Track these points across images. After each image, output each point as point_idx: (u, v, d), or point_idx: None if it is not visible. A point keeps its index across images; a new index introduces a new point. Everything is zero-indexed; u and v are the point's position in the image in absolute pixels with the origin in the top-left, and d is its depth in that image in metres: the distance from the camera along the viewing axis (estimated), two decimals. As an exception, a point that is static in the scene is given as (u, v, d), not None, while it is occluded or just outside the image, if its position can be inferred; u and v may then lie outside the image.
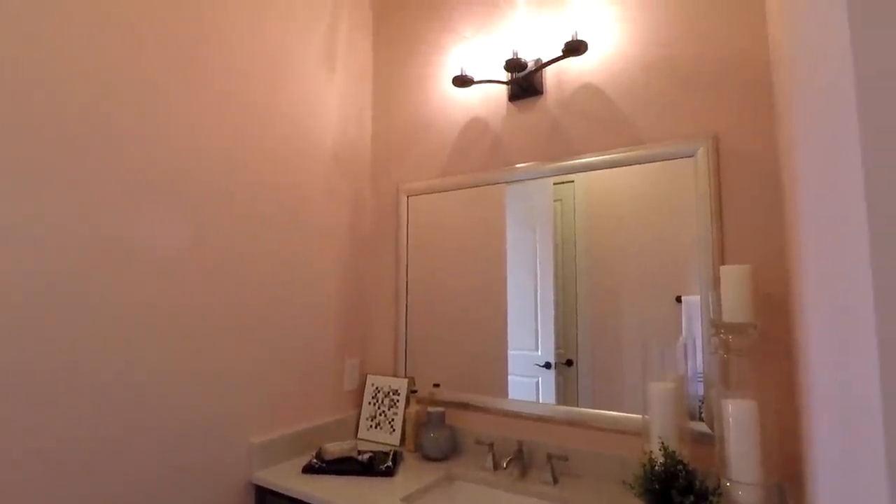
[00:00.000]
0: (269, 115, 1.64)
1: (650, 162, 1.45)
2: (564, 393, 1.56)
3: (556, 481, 1.43)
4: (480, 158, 1.79)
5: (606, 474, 1.44)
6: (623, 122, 1.51)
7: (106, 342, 1.20)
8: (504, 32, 1.78)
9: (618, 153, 1.50)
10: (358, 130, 2.04)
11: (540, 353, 1.62)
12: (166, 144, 1.35)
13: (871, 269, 0.42)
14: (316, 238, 1.81)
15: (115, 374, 1.22)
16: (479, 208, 1.78)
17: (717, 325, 1.24)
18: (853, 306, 0.50)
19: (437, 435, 1.64)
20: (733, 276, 1.19)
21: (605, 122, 1.55)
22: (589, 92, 1.58)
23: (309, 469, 1.50)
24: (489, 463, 1.56)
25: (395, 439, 1.78)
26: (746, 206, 1.32)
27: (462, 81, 1.71)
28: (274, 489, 1.46)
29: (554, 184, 1.62)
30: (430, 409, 1.70)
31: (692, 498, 1.11)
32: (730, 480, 1.11)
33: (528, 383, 1.63)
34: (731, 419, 1.12)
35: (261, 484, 1.49)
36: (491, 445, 1.59)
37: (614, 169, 1.51)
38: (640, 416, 1.40)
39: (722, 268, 1.22)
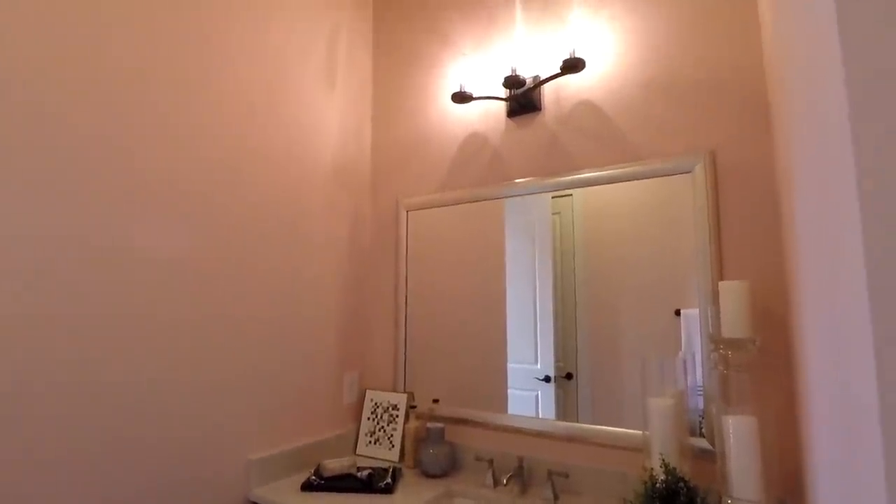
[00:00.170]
0: (270, 130, 1.65)
1: (648, 178, 1.46)
2: (564, 407, 1.56)
3: (556, 498, 1.42)
4: (479, 173, 1.81)
5: (607, 491, 1.43)
6: (621, 139, 1.53)
7: (103, 354, 1.20)
8: (503, 49, 1.80)
9: (616, 169, 1.51)
10: (358, 145, 2.05)
11: (539, 366, 1.62)
12: (167, 157, 1.36)
13: (867, 283, 0.42)
14: (315, 251, 1.81)
15: (112, 387, 1.21)
16: (479, 222, 1.79)
17: (716, 341, 1.24)
18: (850, 320, 0.51)
19: (436, 451, 1.63)
20: (732, 292, 1.20)
21: (603, 138, 1.56)
22: (587, 108, 1.60)
23: (308, 486, 1.49)
24: (489, 479, 1.55)
25: (394, 455, 1.77)
26: (744, 221, 1.33)
27: (461, 97, 1.73)
28: (272, 507, 1.45)
29: (552, 197, 1.63)
30: (429, 424, 1.69)
31: (693, 515, 1.11)
32: (731, 497, 1.10)
33: (528, 397, 1.62)
34: (731, 435, 1.12)
35: (259, 502, 1.48)
36: (491, 461, 1.57)
37: (613, 184, 1.52)
38: (640, 432, 1.39)
39: (721, 283, 1.22)
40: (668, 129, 1.45)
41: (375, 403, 1.89)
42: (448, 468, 1.64)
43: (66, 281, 1.14)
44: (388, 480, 1.51)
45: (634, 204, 1.49)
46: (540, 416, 1.59)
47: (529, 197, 1.68)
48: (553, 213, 1.63)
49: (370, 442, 1.84)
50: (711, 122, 1.39)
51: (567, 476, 1.46)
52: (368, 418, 1.88)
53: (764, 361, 1.26)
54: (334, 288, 1.89)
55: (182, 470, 1.34)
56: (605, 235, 1.53)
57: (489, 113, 1.80)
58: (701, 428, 1.34)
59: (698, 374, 1.35)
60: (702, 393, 1.34)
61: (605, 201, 1.54)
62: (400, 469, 1.68)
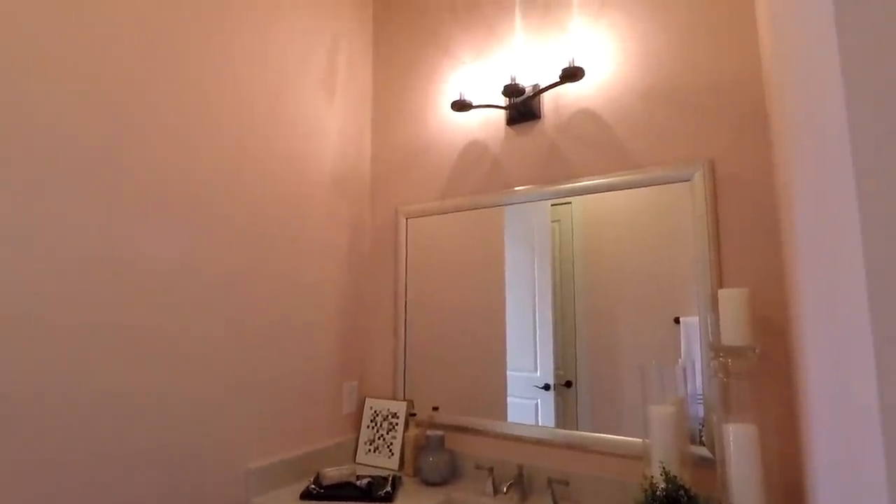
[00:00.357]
0: (270, 138, 1.66)
1: (647, 185, 1.47)
2: (564, 415, 1.55)
3: (556, 506, 1.42)
4: (479, 181, 1.81)
5: (607, 499, 1.42)
6: (620, 147, 1.54)
7: (102, 362, 1.20)
8: (502, 58, 1.81)
9: (615, 177, 1.52)
10: (357, 153, 2.06)
11: (539, 374, 1.61)
12: (168, 165, 1.36)
13: (866, 282, 0.43)
14: (315, 259, 1.81)
15: (110, 396, 1.21)
16: (478, 230, 1.79)
17: (716, 349, 1.24)
18: (850, 319, 0.51)
19: (436, 459, 1.63)
20: (731, 299, 1.20)
21: (602, 146, 1.57)
22: (586, 117, 1.61)
23: (307, 495, 1.48)
24: (489, 488, 1.54)
25: (393, 463, 1.76)
26: (743, 229, 1.34)
27: (461, 106, 1.74)
28: (271, 515, 1.44)
29: (552, 205, 1.64)
30: (429, 432, 1.69)
31: (694, 524, 1.10)
32: (732, 506, 1.10)
33: (528, 405, 1.62)
34: (731, 443, 1.12)
35: (258, 510, 1.47)
36: (491, 469, 1.57)
37: (611, 192, 1.53)
38: (639, 440, 1.39)
39: (720, 291, 1.23)
40: (668, 138, 1.46)
41: (375, 411, 1.88)
42: (448, 476, 1.64)
43: (63, 288, 1.14)
44: (388, 489, 1.50)
45: (633, 212, 1.49)
46: (539, 424, 1.59)
47: (529, 205, 1.69)
48: (552, 221, 1.64)
49: (370, 450, 1.83)
50: (710, 131, 1.40)
51: (567, 484, 1.45)
52: (368, 426, 1.87)
53: (764, 369, 1.26)
54: (334, 295, 1.89)
55: (180, 478, 1.34)
56: (605, 244, 1.53)
57: (489, 121, 1.81)
58: (701, 436, 1.33)
59: (698, 382, 1.35)
60: (702, 401, 1.34)
61: (605, 209, 1.54)
62: (400, 477, 1.67)
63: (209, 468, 1.41)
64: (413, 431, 1.74)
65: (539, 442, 1.58)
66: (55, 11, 1.15)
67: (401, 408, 1.84)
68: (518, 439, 1.62)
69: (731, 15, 1.40)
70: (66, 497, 1.11)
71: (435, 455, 1.63)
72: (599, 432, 1.48)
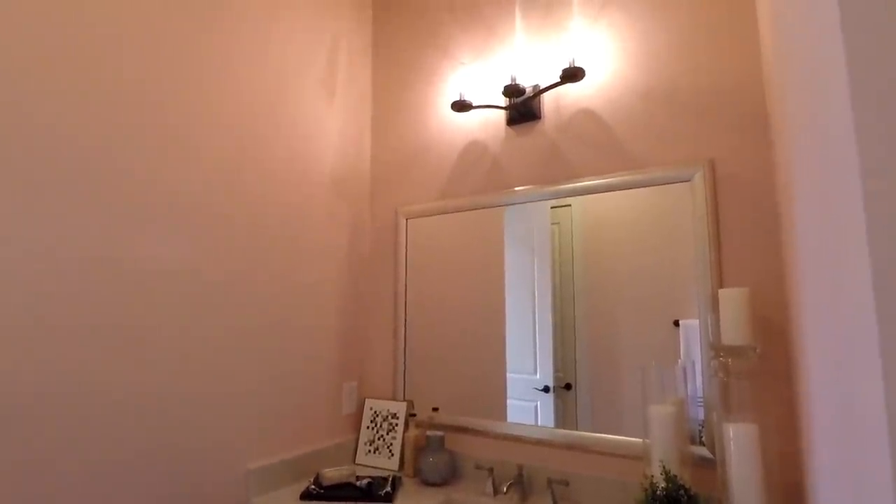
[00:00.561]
0: (270, 139, 1.66)
1: (647, 186, 1.47)
2: (563, 417, 1.55)
3: (557, 507, 1.42)
4: (479, 181, 1.81)
5: (608, 499, 1.42)
6: (620, 147, 1.54)
7: (102, 364, 1.19)
8: (502, 58, 1.81)
9: (615, 177, 1.52)
10: (357, 153, 2.06)
11: (538, 376, 1.61)
12: (168, 166, 1.36)
13: (873, 292, 0.43)
14: (315, 260, 1.81)
15: (110, 397, 1.20)
16: (478, 231, 1.79)
17: (716, 348, 1.25)
18: (855, 327, 0.51)
19: (436, 459, 1.62)
20: (732, 299, 1.20)
21: (602, 146, 1.57)
22: (587, 117, 1.61)
23: (307, 496, 1.48)
24: (489, 488, 1.54)
25: (393, 464, 1.76)
26: (744, 230, 1.34)
27: (461, 106, 1.74)
28: (271, 516, 1.44)
29: (552, 207, 1.64)
30: (429, 433, 1.69)
31: (695, 523, 1.10)
32: (733, 505, 1.10)
33: (527, 407, 1.62)
34: (732, 443, 1.12)
35: (257, 511, 1.47)
36: (491, 470, 1.57)
37: (611, 193, 1.53)
38: (639, 441, 1.39)
39: (720, 291, 1.23)
40: (668, 138, 1.46)
41: (375, 412, 1.88)
42: (448, 476, 1.64)
43: (63, 288, 1.13)
44: (388, 489, 1.50)
45: (633, 214, 1.49)
46: (539, 425, 1.59)
47: (529, 207, 1.69)
48: (552, 224, 1.63)
49: (370, 451, 1.83)
50: (711, 131, 1.40)
51: (567, 484, 1.45)
52: (368, 427, 1.87)
53: (764, 369, 1.26)
54: (334, 296, 1.88)
55: (181, 479, 1.33)
56: (604, 245, 1.53)
57: (489, 121, 1.82)
58: (701, 437, 1.34)
59: (698, 384, 1.35)
60: (702, 404, 1.34)
61: (604, 212, 1.54)
62: (400, 478, 1.67)
63: (209, 468, 1.40)
64: (413, 432, 1.74)
65: (539, 442, 1.58)
66: (55, 11, 1.15)
67: (401, 408, 1.83)
68: (518, 440, 1.62)
69: (731, 15, 1.40)
70: (65, 497, 1.11)
71: (435, 455, 1.63)
72: (599, 432, 1.48)
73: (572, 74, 1.53)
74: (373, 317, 2.03)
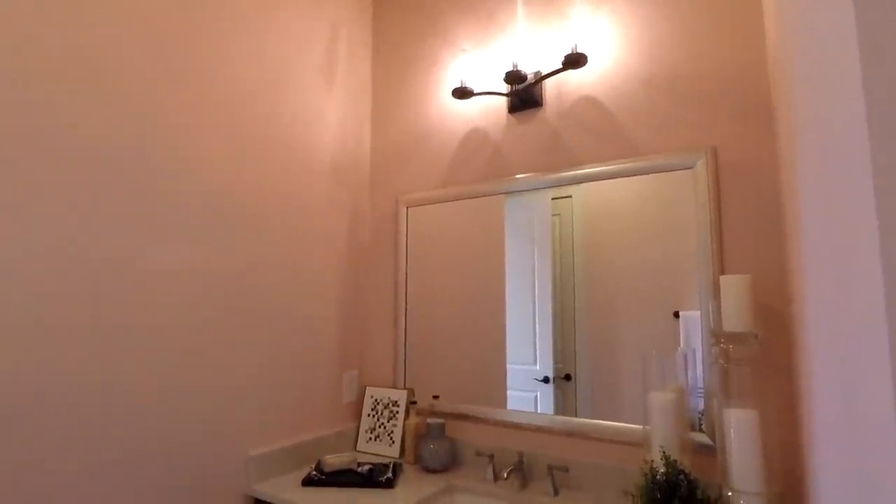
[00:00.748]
0: (270, 128, 1.65)
1: (649, 173, 1.47)
2: (563, 407, 1.56)
3: (556, 492, 1.43)
4: (480, 169, 1.81)
5: (607, 485, 1.44)
6: (622, 134, 1.53)
7: (102, 354, 1.19)
8: (503, 45, 1.80)
9: (617, 164, 1.51)
10: (357, 142, 2.04)
11: (538, 367, 1.62)
12: (168, 156, 1.35)
13: (884, 289, 0.43)
14: (315, 249, 1.81)
15: (113, 387, 1.21)
16: (479, 219, 1.79)
17: (717, 335, 1.25)
18: (863, 323, 0.51)
19: (436, 446, 1.64)
20: (733, 286, 1.20)
21: (604, 133, 1.56)
22: (588, 104, 1.60)
23: (309, 481, 1.49)
24: (489, 474, 1.55)
25: (394, 451, 1.78)
26: (746, 217, 1.34)
27: (462, 93, 1.73)
28: (273, 502, 1.45)
29: (552, 199, 1.63)
30: (429, 420, 1.70)
31: (695, 508, 1.12)
32: (732, 490, 1.11)
33: (527, 398, 1.63)
34: (732, 429, 1.13)
35: (260, 497, 1.48)
36: (491, 457, 1.58)
37: (612, 183, 1.52)
38: (640, 427, 1.40)
39: (722, 277, 1.23)
40: (670, 125, 1.46)
41: (375, 400, 1.89)
42: (448, 463, 1.65)
43: (63, 288, 1.13)
44: (389, 475, 1.52)
45: (635, 204, 1.49)
46: (539, 412, 1.60)
47: (530, 196, 1.68)
48: (553, 215, 1.63)
49: (370, 438, 1.84)
50: (713, 119, 1.40)
51: (567, 470, 1.47)
52: (368, 415, 1.88)
53: (765, 357, 1.27)
54: (334, 285, 1.88)
55: (182, 466, 1.34)
56: (605, 237, 1.53)
57: (490, 109, 1.80)
58: (701, 424, 1.35)
59: (698, 373, 1.35)
60: (702, 394, 1.35)
61: (605, 202, 1.54)
62: (400, 464, 1.69)
63: (211, 455, 1.41)
64: (413, 419, 1.75)
65: (539, 429, 1.59)
66: (55, 11, 1.13)
67: (401, 396, 1.84)
68: (518, 427, 1.63)
69: (734, 2, 1.39)
70: (66, 496, 1.11)
71: (435, 442, 1.64)
72: (599, 419, 1.50)
73: (574, 61, 1.51)
74: (373, 306, 2.03)
